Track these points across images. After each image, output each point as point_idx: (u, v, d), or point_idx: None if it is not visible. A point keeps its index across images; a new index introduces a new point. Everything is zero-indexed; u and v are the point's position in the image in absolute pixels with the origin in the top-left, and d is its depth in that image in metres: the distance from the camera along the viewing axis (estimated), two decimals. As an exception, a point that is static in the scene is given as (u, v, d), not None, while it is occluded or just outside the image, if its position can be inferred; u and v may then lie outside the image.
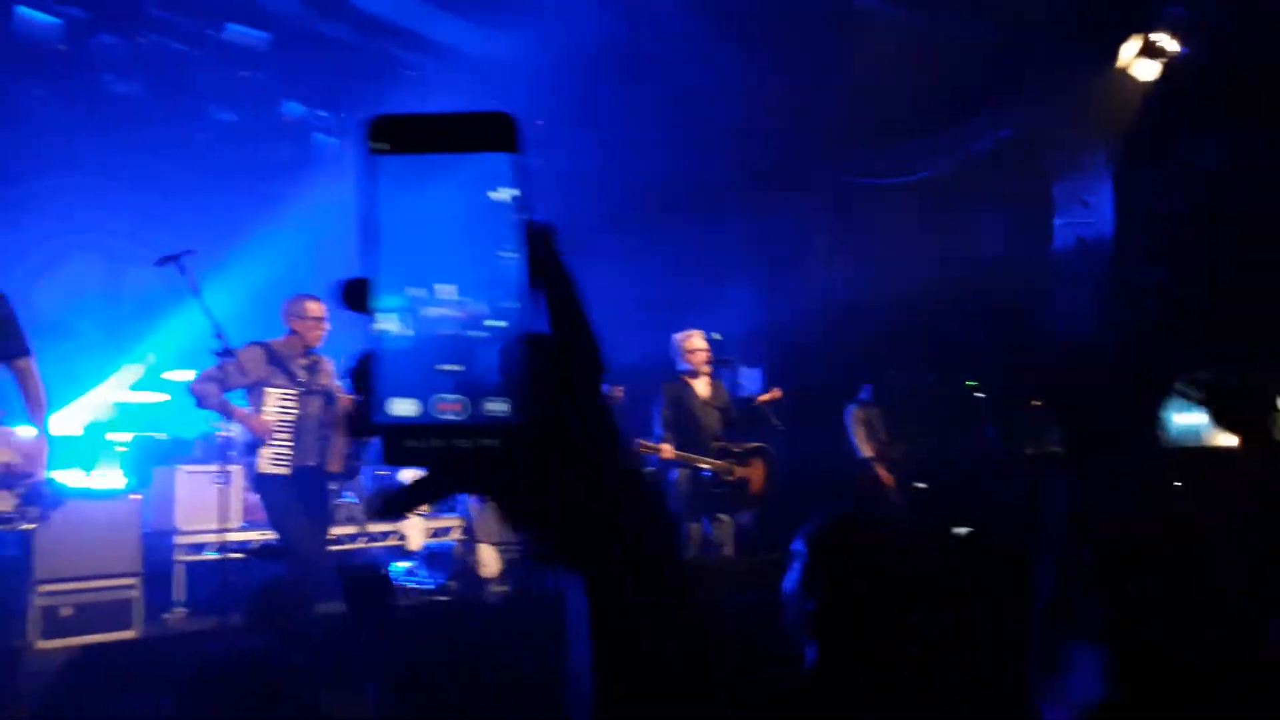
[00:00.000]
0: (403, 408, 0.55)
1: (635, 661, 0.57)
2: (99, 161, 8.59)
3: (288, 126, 8.84)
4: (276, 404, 4.91)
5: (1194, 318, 7.93)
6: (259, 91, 8.50)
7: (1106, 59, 7.32)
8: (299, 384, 5.01)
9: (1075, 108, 7.85)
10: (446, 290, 0.56)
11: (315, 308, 5.09)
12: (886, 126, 8.13)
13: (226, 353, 4.59)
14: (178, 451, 6.79)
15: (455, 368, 0.55)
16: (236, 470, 5.95)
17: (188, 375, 7.62)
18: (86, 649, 4.87)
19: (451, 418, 0.55)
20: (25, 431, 3.87)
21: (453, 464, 0.56)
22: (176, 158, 8.62)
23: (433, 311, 0.56)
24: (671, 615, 0.58)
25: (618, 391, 6.04)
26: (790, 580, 1.61)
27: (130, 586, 5.54)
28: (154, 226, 9.11)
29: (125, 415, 7.44)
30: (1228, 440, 8.42)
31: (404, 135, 0.57)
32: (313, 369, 5.13)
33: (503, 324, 0.55)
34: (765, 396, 6.89)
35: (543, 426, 0.55)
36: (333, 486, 5.49)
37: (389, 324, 0.56)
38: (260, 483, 4.90)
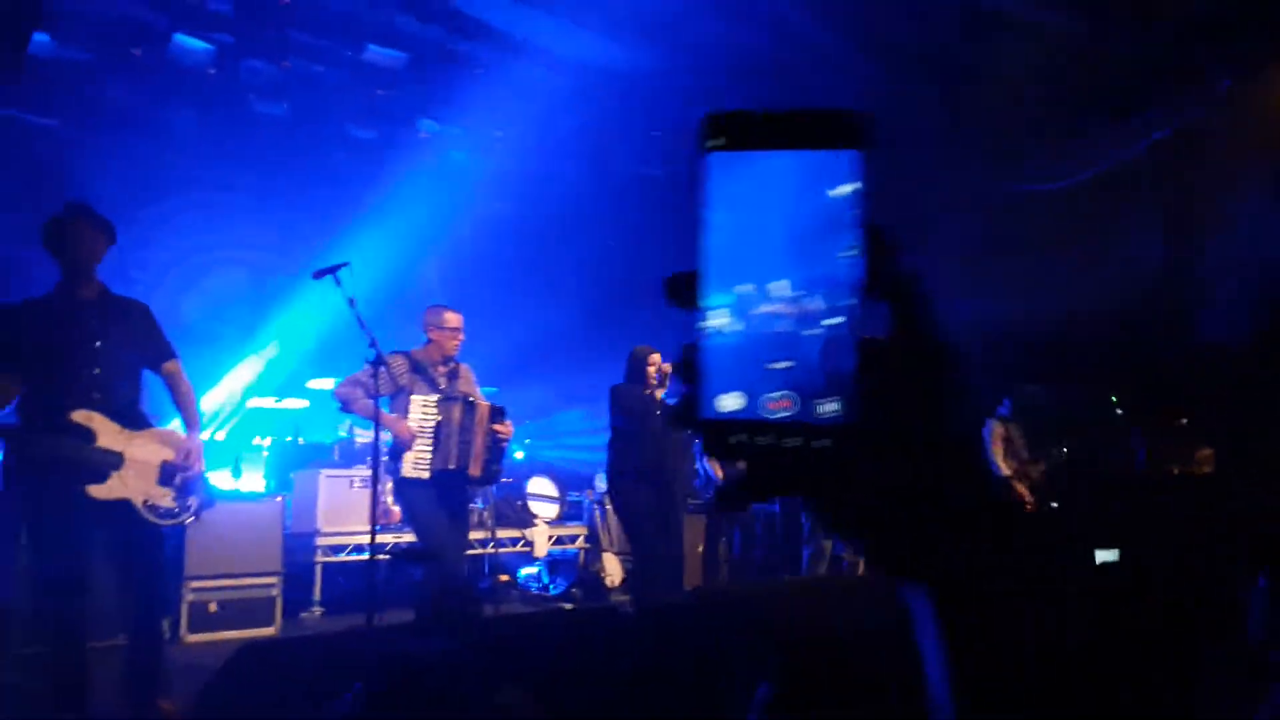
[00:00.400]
0: (730, 403, 0.55)
1: (992, 669, 0.54)
2: (243, 180, 9.05)
3: (423, 142, 9.09)
4: (420, 410, 5.01)
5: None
6: (396, 110, 8.77)
7: (1270, 62, 6.83)
8: (440, 391, 5.11)
9: (1234, 115, 7.37)
10: (779, 287, 0.55)
11: (453, 318, 5.23)
12: (1034, 132, 7.80)
13: (379, 361, 4.70)
14: (316, 456, 7.02)
15: (785, 364, 0.54)
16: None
17: (328, 384, 7.94)
18: (235, 644, 5.03)
19: (781, 415, 0.54)
20: (179, 430, 4.04)
21: (780, 462, 0.54)
22: (317, 175, 8.98)
23: (764, 308, 0.55)
24: (1024, 619, 0.55)
25: (665, 367, 5.98)
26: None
27: (272, 585, 5.74)
28: (295, 241, 9.57)
29: (266, 419, 7.75)
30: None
31: (741, 131, 0.57)
32: (452, 376, 5.23)
33: (838, 321, 0.54)
34: None
35: (882, 429, 0.54)
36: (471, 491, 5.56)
37: (718, 319, 0.55)
38: (402, 487, 5.00)
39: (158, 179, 8.15)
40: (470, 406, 5.10)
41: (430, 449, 4.94)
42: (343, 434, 7.22)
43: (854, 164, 0.55)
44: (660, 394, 6.04)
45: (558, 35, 8.56)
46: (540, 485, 7.34)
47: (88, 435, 3.61)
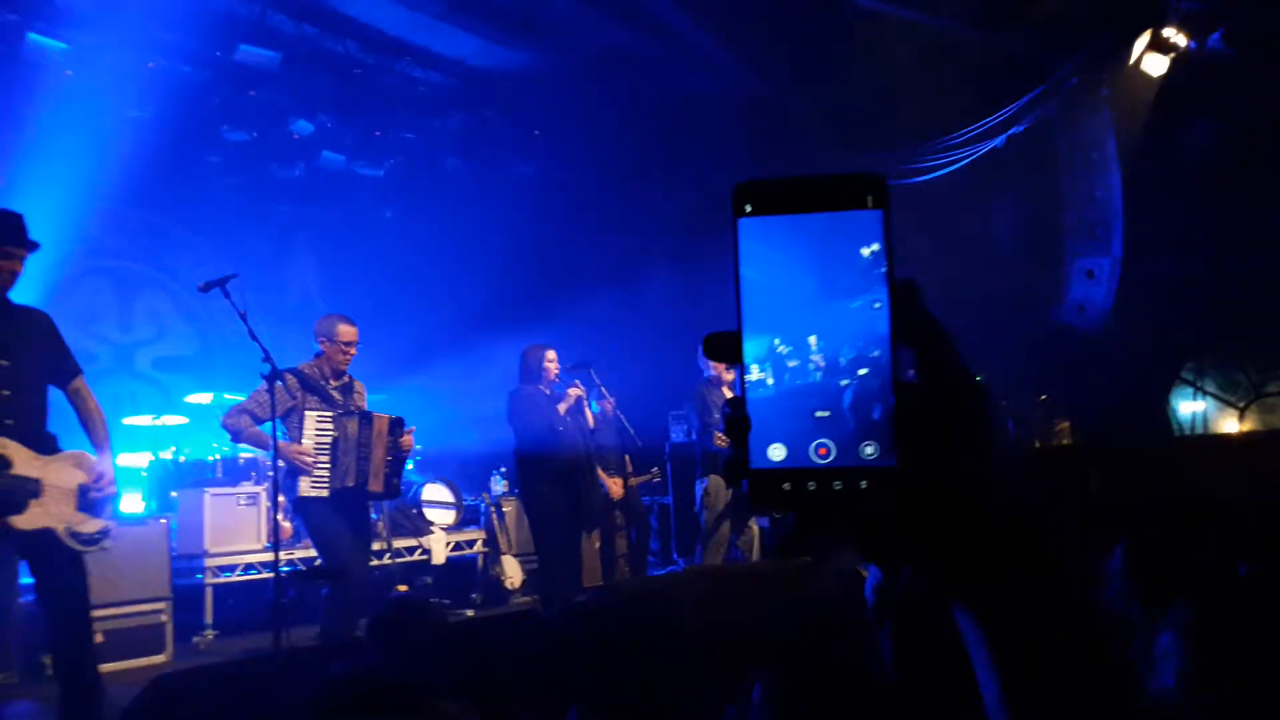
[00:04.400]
0: (777, 453, 0.58)
1: (1046, 696, 0.56)
2: (110, 187, 8.62)
3: (297, 144, 8.85)
4: (315, 426, 4.87)
5: (1200, 306, 7.97)
6: (270, 111, 8.51)
7: (1118, 54, 7.34)
8: (335, 406, 4.99)
9: (1086, 102, 7.87)
10: (813, 341, 0.58)
11: (347, 331, 5.03)
12: (901, 129, 8.15)
13: (274, 376, 4.56)
14: (198, 474, 6.77)
15: (824, 414, 0.58)
16: (263, 491, 5.92)
17: (206, 398, 7.66)
18: (128, 674, 4.86)
19: (825, 462, 0.57)
20: (88, 452, 3.87)
21: (827, 506, 0.58)
22: (189, 179, 8.64)
23: (800, 362, 0.58)
24: (1074, 645, 0.57)
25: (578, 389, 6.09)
26: None
27: (161, 611, 5.55)
28: (166, 249, 9.18)
29: (142, 438, 7.42)
30: (1231, 426, 8.56)
31: (771, 198, 0.60)
32: (346, 390, 5.11)
33: (866, 371, 0.57)
34: None
35: (921, 469, 0.56)
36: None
37: (758, 373, 0.59)
38: (301, 505, 4.86)
39: (11, 186, 7.69)
40: (367, 420, 4.98)
41: (328, 466, 4.82)
42: (224, 450, 6.99)
43: (876, 222, 0.58)
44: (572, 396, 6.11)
45: (435, 34, 8.47)
46: (436, 492, 7.26)
47: (3, 463, 3.42)
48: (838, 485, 0.57)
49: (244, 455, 6.90)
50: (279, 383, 4.56)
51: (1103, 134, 7.81)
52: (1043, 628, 0.56)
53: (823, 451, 0.57)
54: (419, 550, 7.02)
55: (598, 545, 7.03)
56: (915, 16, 7.09)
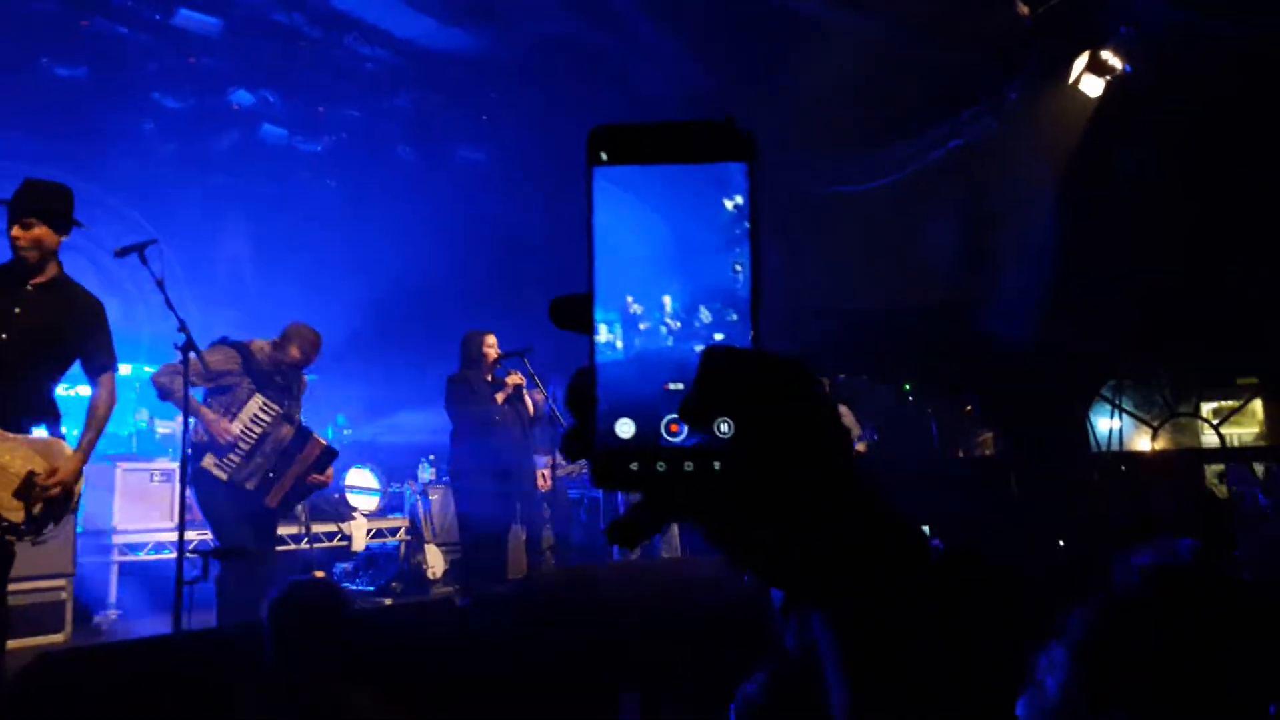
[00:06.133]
0: (626, 429, 0.53)
1: (896, 698, 0.52)
2: (34, 149, 8.33)
3: (236, 115, 8.64)
4: (255, 412, 4.73)
5: (1122, 327, 8.18)
6: (209, 79, 8.29)
7: (1055, 74, 7.50)
8: (283, 405, 4.84)
9: (1023, 120, 8.03)
10: (668, 301, 0.54)
11: (310, 350, 4.99)
12: (845, 136, 8.23)
13: (189, 347, 4.43)
14: (110, 447, 6.57)
15: (677, 386, 0.53)
16: (178, 468, 5.76)
17: (124, 370, 7.43)
18: (20, 653, 4.68)
19: (676, 440, 0.53)
20: (64, 444, 3.73)
21: (675, 488, 0.52)
22: (122, 146, 8.38)
23: (654, 325, 0.54)
24: (931, 643, 0.52)
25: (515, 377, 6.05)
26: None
27: (61, 588, 5.37)
28: (98, 217, 8.90)
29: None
30: (1146, 444, 8.85)
31: (628, 145, 0.55)
32: (292, 379, 4.98)
33: (723, 337, 0.53)
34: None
35: (765, 447, 0.51)
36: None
37: (608, 338, 0.54)
38: (198, 478, 4.68)
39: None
40: (303, 436, 4.84)
41: (241, 456, 4.68)
42: (141, 424, 6.79)
43: (741, 176, 0.54)
44: (508, 382, 6.05)
45: (386, 12, 8.33)
46: (360, 477, 7.16)
47: None
48: (689, 467, 0.52)
49: (162, 430, 6.73)
50: (193, 354, 4.43)
51: (1038, 151, 7.97)
52: (900, 635, 0.52)
53: (674, 429, 0.53)
54: (338, 536, 6.90)
55: (523, 538, 6.98)
56: (862, 25, 7.15)
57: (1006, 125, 8.15)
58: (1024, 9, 7.18)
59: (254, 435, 4.70)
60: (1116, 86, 7.26)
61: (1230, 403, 9.30)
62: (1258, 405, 9.27)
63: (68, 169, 8.45)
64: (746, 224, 0.54)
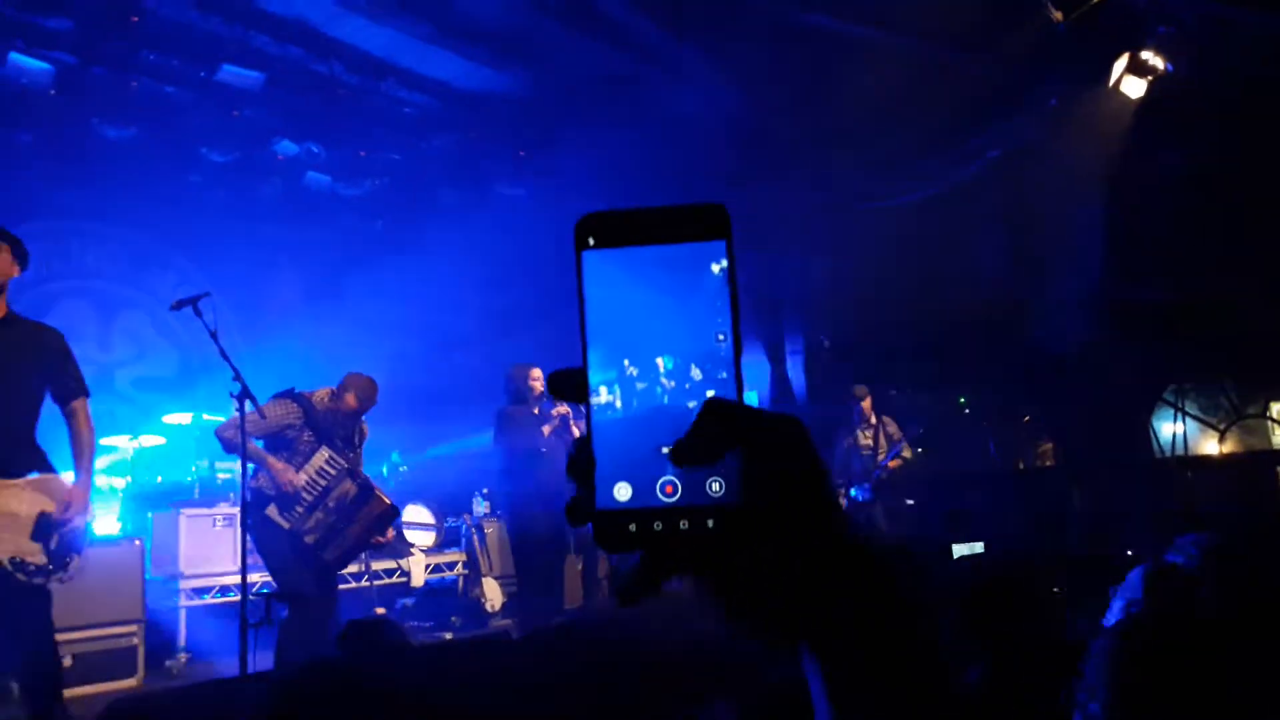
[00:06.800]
0: (623, 492, 0.56)
1: None
2: (89, 206, 8.61)
3: (280, 165, 8.85)
4: (321, 464, 4.74)
5: (1181, 331, 8.02)
6: (253, 131, 8.51)
7: (1095, 77, 7.42)
8: (349, 459, 4.87)
9: (1064, 126, 7.95)
10: (663, 365, 0.57)
11: (365, 398, 5.01)
12: (880, 152, 8.21)
13: (245, 395, 4.49)
14: (175, 495, 6.71)
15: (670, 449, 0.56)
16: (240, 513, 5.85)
17: (185, 418, 7.60)
18: (94, 699, 4.78)
19: (671, 500, 0.55)
20: (66, 477, 3.79)
21: (671, 547, 0.55)
22: (171, 200, 8.62)
23: (649, 386, 0.57)
24: (921, 701, 0.54)
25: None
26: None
27: (133, 634, 5.47)
28: (152, 270, 9.15)
29: (120, 459, 7.36)
30: (1212, 448, 8.62)
31: (614, 231, 0.59)
32: (351, 427, 5.02)
33: (712, 394, 0.56)
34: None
35: (759, 506, 0.54)
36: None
37: (607, 399, 0.57)
38: (260, 526, 4.68)
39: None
40: (366, 494, 4.83)
41: (304, 508, 4.68)
42: (202, 471, 6.93)
43: (719, 252, 0.57)
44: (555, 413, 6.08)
45: (420, 56, 8.49)
46: (416, 513, 7.21)
47: None
48: (684, 525, 0.55)
49: (222, 476, 6.85)
50: (249, 402, 4.50)
51: (1082, 156, 7.87)
52: (882, 671, 0.53)
53: (669, 489, 0.55)
54: (398, 573, 6.95)
55: (580, 568, 6.98)
56: (895, 40, 7.15)
57: (1048, 132, 8.07)
58: (1057, 15, 7.12)
59: (318, 487, 4.72)
60: (1159, 86, 7.16)
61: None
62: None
63: (120, 224, 8.74)
64: (727, 294, 0.57)
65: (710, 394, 0.56)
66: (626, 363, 0.57)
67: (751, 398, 0.60)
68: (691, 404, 0.56)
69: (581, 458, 0.56)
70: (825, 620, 0.54)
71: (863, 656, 0.54)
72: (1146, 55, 7.02)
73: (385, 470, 7.90)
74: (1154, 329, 8.05)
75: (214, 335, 4.59)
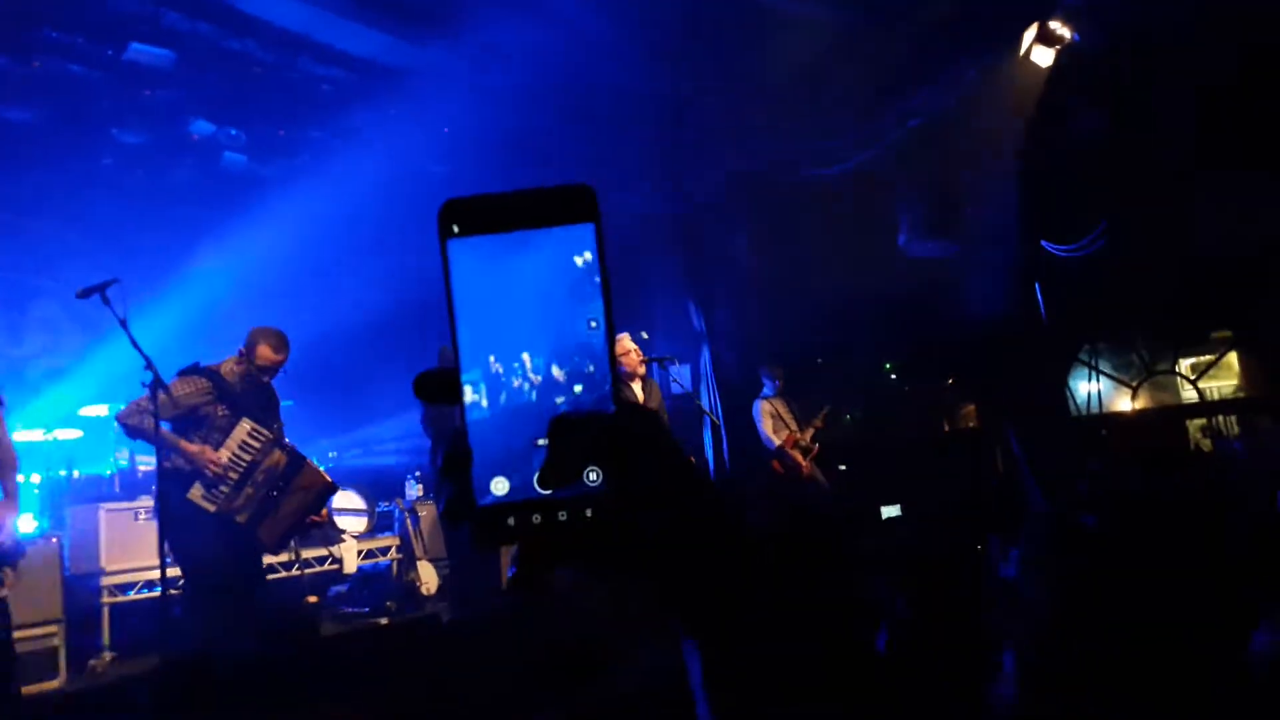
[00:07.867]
0: (500, 487, 0.56)
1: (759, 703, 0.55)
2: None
3: (196, 146, 8.59)
4: (244, 438, 4.51)
5: (1095, 290, 8.26)
6: (165, 111, 8.24)
7: (1006, 47, 7.54)
8: (272, 428, 4.65)
9: (983, 94, 8.07)
10: (529, 360, 0.56)
11: (266, 354, 4.70)
12: (806, 121, 8.25)
13: (157, 385, 4.33)
14: (93, 489, 6.52)
15: (545, 441, 0.56)
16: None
17: (101, 410, 7.39)
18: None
19: (547, 491, 0.56)
20: None
21: (551, 538, 0.56)
22: (83, 184, 8.33)
23: (517, 380, 0.56)
24: (795, 671, 0.56)
25: None
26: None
27: (53, 634, 5.35)
28: (64, 258, 8.84)
29: (34, 454, 7.14)
30: (1125, 405, 8.93)
31: (479, 217, 0.58)
32: (265, 397, 4.77)
33: (581, 389, 0.56)
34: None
35: (630, 491, 0.55)
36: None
37: (473, 398, 0.56)
38: (180, 510, 4.40)
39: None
40: (296, 462, 4.61)
41: (230, 487, 4.47)
42: (122, 463, 6.75)
43: (588, 235, 0.57)
44: None
45: (337, 31, 8.29)
46: (347, 499, 7.14)
47: None
48: (562, 516, 0.55)
49: (143, 469, 6.69)
50: (161, 391, 4.37)
51: (999, 127, 8.01)
52: (763, 660, 0.55)
53: None
54: (329, 559, 6.89)
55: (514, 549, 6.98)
56: (813, 11, 7.18)
57: (965, 101, 8.19)
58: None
59: (244, 463, 4.51)
60: (1066, 55, 7.31)
61: (1208, 357, 9.40)
62: (1233, 358, 9.36)
63: (30, 210, 8.42)
64: (597, 279, 0.56)
65: (577, 389, 0.56)
66: (492, 359, 0.56)
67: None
68: (559, 400, 0.56)
69: (457, 455, 0.56)
70: (699, 594, 0.56)
71: (735, 629, 0.56)
72: (1054, 25, 7.15)
73: (315, 460, 7.79)
74: (1069, 289, 8.27)
75: (124, 323, 4.44)
